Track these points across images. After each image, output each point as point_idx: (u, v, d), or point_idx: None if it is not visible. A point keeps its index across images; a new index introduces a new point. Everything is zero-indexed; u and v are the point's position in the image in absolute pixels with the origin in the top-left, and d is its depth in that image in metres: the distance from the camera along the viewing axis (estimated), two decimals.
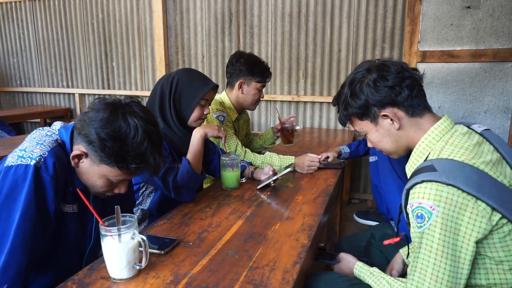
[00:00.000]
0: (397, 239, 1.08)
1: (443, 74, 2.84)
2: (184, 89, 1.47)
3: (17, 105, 4.63)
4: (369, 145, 1.13)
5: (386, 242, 1.11)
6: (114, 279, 0.88)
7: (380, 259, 1.46)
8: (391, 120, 1.01)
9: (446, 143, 0.95)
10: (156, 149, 0.98)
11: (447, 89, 2.85)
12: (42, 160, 0.93)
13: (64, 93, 4.35)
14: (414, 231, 0.91)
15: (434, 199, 0.84)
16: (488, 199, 0.82)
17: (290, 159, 1.81)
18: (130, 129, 0.93)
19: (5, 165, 0.93)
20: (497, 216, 0.83)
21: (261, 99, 2.08)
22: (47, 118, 4.37)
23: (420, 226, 0.86)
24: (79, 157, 0.97)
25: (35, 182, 0.90)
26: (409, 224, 0.96)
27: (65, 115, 4.25)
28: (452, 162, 0.88)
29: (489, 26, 2.67)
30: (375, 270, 1.08)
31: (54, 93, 4.41)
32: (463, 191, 0.83)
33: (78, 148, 0.96)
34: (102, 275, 0.89)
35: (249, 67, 1.95)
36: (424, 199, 0.85)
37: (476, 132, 1.00)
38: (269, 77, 2.03)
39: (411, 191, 0.91)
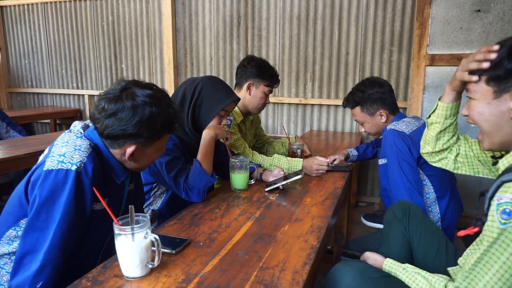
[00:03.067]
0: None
1: None
2: (206, 97, 1.48)
3: (28, 106, 4.70)
4: (467, 112, 1.00)
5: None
6: (127, 277, 0.89)
7: None
8: None
9: None
10: (167, 104, 1.08)
11: None
12: (83, 165, 0.98)
13: (74, 94, 4.41)
14: (491, 225, 0.85)
15: None
16: None
17: (298, 162, 1.82)
18: (153, 108, 1.02)
19: (44, 169, 0.96)
20: None
21: (266, 103, 2.08)
22: (57, 119, 4.43)
23: (504, 223, 0.80)
24: (133, 153, 1.06)
25: (76, 185, 0.95)
26: (485, 215, 0.90)
27: (75, 116, 4.30)
28: None
29: (499, 30, 2.65)
30: (408, 266, 1.05)
31: (64, 94, 4.47)
32: None
33: (127, 147, 1.05)
34: (116, 273, 0.91)
35: (260, 70, 1.97)
36: None
37: None
38: (277, 83, 2.05)
39: (506, 184, 0.84)
